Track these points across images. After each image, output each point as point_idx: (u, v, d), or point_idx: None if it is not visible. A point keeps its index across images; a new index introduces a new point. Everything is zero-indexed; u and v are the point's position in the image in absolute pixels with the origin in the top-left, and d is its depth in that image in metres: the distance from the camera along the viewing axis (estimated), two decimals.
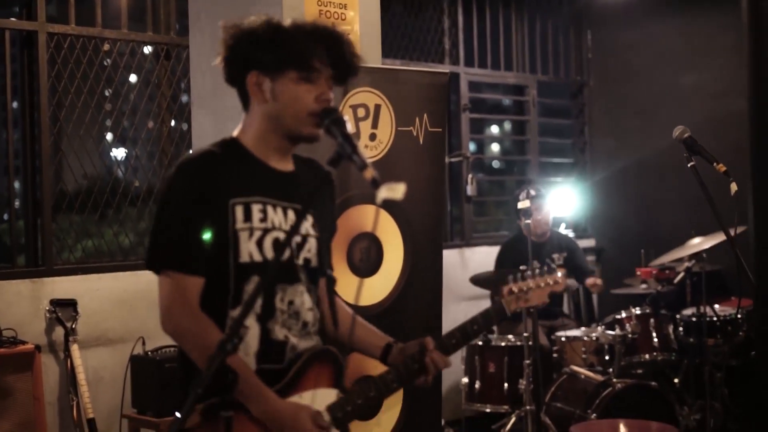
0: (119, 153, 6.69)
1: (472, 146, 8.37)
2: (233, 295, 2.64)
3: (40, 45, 5.76)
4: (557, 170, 9.16)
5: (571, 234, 8.57)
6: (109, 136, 6.42)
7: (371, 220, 4.40)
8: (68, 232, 6.09)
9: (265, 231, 2.69)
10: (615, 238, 8.68)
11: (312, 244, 2.79)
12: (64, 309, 5.60)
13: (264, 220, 2.70)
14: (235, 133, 2.80)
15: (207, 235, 2.62)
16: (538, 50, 8.81)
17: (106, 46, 6.17)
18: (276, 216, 2.72)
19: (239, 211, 2.66)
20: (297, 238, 2.75)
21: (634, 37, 8.68)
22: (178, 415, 2.38)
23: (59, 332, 5.59)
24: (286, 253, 2.71)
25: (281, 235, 2.71)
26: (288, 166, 2.82)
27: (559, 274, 3.10)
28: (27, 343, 5.26)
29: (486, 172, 10.09)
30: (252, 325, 2.64)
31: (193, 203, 2.63)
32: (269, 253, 2.68)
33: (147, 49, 6.51)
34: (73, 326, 5.56)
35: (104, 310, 5.80)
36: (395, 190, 2.42)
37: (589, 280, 6.77)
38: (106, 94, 6.25)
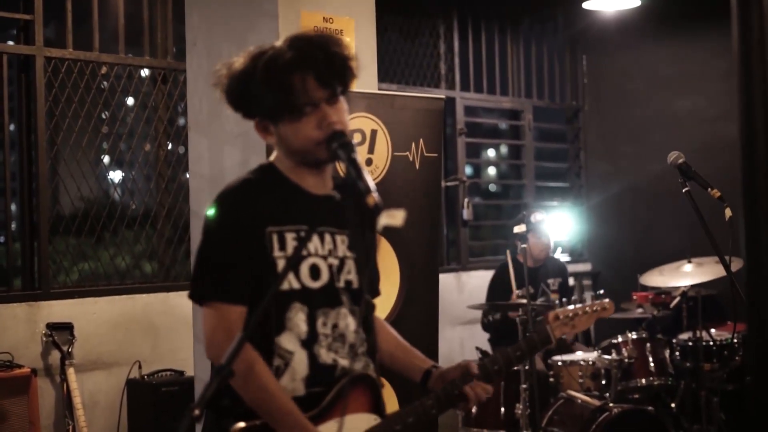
0: (116, 176, 6.71)
1: (468, 170, 8.40)
2: (276, 322, 2.64)
3: (37, 69, 5.79)
4: (553, 194, 9.18)
5: (567, 258, 8.61)
6: (106, 159, 6.44)
7: None
8: (65, 255, 6.09)
9: (301, 258, 2.69)
10: (611, 262, 8.69)
11: (351, 266, 2.77)
12: (61, 332, 5.59)
13: (299, 247, 2.68)
14: (272, 158, 2.80)
15: (246, 264, 2.63)
16: (533, 75, 8.85)
17: (104, 69, 6.20)
18: (311, 242, 2.71)
19: (275, 239, 2.66)
20: (335, 261, 2.74)
21: (629, 62, 8.73)
22: None
23: (55, 356, 5.59)
24: (325, 278, 2.71)
25: (319, 261, 2.71)
26: (325, 188, 2.79)
27: (607, 301, 3.08)
28: (23, 367, 5.26)
29: (483, 196, 10.12)
30: (297, 350, 2.64)
31: (233, 233, 2.65)
32: (307, 280, 2.68)
33: (144, 72, 6.53)
34: (70, 350, 5.55)
35: (100, 333, 5.79)
36: (395, 217, 2.44)
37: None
38: (103, 117, 6.27)
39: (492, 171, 11.75)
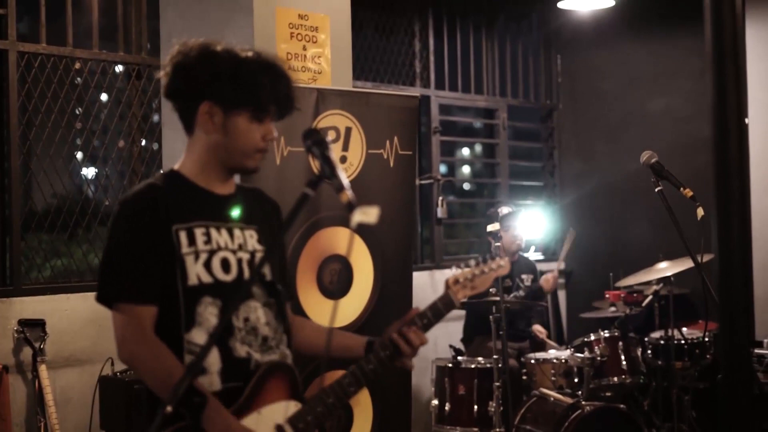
0: (89, 172, 6.66)
1: (443, 168, 8.40)
2: (185, 318, 2.68)
3: (10, 63, 5.74)
4: (527, 193, 9.20)
5: (540, 257, 8.63)
6: (79, 155, 6.40)
7: (342, 242, 4.42)
8: (38, 251, 6.05)
9: (211, 252, 2.73)
10: (584, 260, 8.72)
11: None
12: (32, 329, 5.55)
13: (208, 242, 2.74)
14: (176, 167, 2.85)
15: (154, 265, 2.67)
16: (508, 74, 8.86)
17: (78, 65, 6.15)
18: (220, 237, 2.77)
19: (183, 236, 2.71)
20: (245, 255, 2.80)
21: (603, 61, 8.76)
22: None
23: (27, 352, 5.54)
24: (234, 271, 2.76)
25: (229, 255, 2.76)
26: (229, 189, 2.87)
27: (504, 259, 3.08)
28: None
29: (457, 195, 10.13)
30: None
31: (137, 234, 2.69)
32: (219, 273, 2.73)
33: (118, 68, 6.50)
34: (42, 346, 5.51)
35: (73, 330, 5.75)
36: (369, 214, 2.46)
37: (543, 278, 6.90)
38: (77, 112, 6.23)
39: (467, 169, 11.77)
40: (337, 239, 4.45)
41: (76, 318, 5.79)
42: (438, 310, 2.98)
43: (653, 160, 4.35)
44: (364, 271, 4.61)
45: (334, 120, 4.51)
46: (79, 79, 6.18)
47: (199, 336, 2.66)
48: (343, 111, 4.54)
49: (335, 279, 4.52)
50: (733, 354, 1.75)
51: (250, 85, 2.70)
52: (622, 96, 8.57)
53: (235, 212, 2.83)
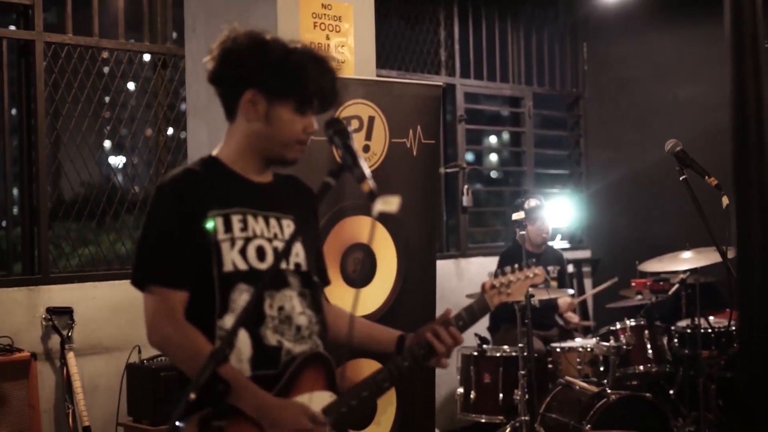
0: (117, 161, 6.71)
1: (470, 156, 8.40)
2: (220, 304, 2.68)
3: (37, 54, 5.78)
4: (553, 181, 9.19)
5: (566, 245, 8.61)
6: (106, 144, 6.44)
7: (365, 230, 4.42)
8: (66, 240, 6.10)
9: (247, 240, 2.73)
10: (611, 249, 8.70)
11: (298, 248, 2.84)
12: (60, 317, 5.61)
13: (245, 229, 2.74)
14: (214, 152, 2.84)
15: (188, 249, 2.67)
16: (534, 62, 8.84)
17: (105, 54, 6.20)
18: (257, 225, 2.77)
19: (219, 222, 2.71)
20: (281, 244, 2.79)
21: (630, 49, 8.71)
22: (178, 424, 2.43)
23: (55, 340, 5.60)
24: (270, 259, 2.75)
25: (264, 243, 2.76)
26: (267, 178, 2.87)
27: (538, 268, 3.16)
28: (23, 351, 5.28)
29: (484, 183, 10.12)
30: (240, 331, 2.66)
31: (174, 219, 2.69)
32: (254, 261, 2.73)
33: (145, 57, 6.53)
34: (69, 334, 5.57)
35: (100, 318, 5.80)
36: (390, 203, 2.46)
37: (564, 299, 6.87)
38: (105, 101, 6.27)
39: (494, 157, 11.73)
40: (361, 228, 4.45)
41: (103, 306, 5.84)
42: (473, 314, 3.00)
43: (678, 149, 4.33)
44: (387, 260, 4.61)
45: (357, 109, 4.51)
46: (106, 68, 6.22)
47: (231, 322, 2.66)
48: (366, 100, 4.53)
49: (358, 267, 4.52)
50: (753, 348, 1.74)
51: (296, 76, 2.69)
52: (648, 84, 8.52)
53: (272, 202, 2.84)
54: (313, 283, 2.87)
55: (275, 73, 2.69)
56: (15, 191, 6.13)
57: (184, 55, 5.55)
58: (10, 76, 5.85)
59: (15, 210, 6.10)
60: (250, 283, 2.70)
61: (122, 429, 5.59)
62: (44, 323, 5.60)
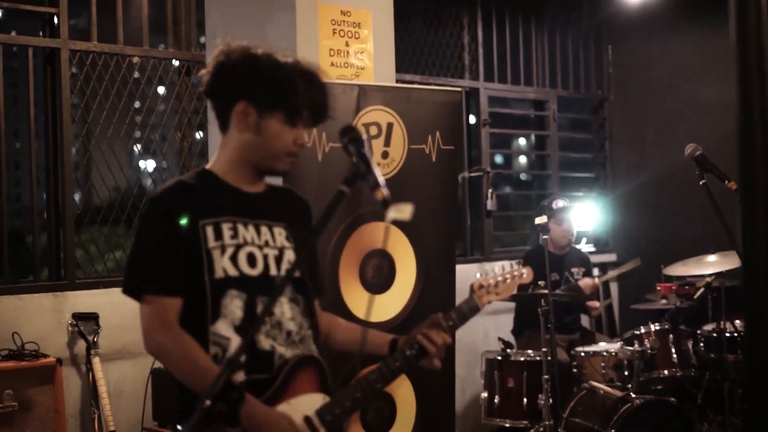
0: (147, 165, 6.77)
1: (499, 159, 8.38)
2: (211, 310, 2.74)
3: (62, 61, 5.84)
4: (579, 185, 9.15)
5: (591, 249, 8.58)
6: (136, 149, 6.49)
7: (383, 237, 4.44)
8: (97, 244, 6.16)
9: (238, 247, 2.80)
10: (636, 252, 8.63)
11: (290, 256, 2.89)
12: (86, 322, 5.65)
13: (235, 236, 2.81)
14: (208, 166, 2.92)
15: (181, 258, 2.74)
16: (558, 65, 8.82)
17: (136, 60, 6.25)
18: (247, 232, 2.84)
19: (210, 230, 2.78)
20: (274, 252, 2.86)
21: (655, 51, 8.67)
22: (179, 428, 2.47)
23: (81, 345, 5.64)
24: (260, 266, 2.82)
25: (255, 250, 2.83)
26: (259, 188, 2.95)
27: (525, 268, 3.22)
28: (49, 357, 5.33)
29: (514, 186, 10.10)
30: (232, 336, 2.74)
31: (165, 229, 2.76)
32: (245, 268, 2.80)
33: (175, 62, 6.56)
34: (95, 339, 5.61)
35: (126, 323, 5.82)
36: (403, 211, 2.49)
37: (593, 303, 6.82)
38: (133, 108, 6.33)
39: (523, 160, 11.72)
40: (380, 234, 4.47)
41: (128, 311, 5.85)
42: (463, 313, 3.06)
43: (697, 153, 4.32)
44: (406, 266, 4.63)
45: (375, 116, 4.53)
46: (135, 74, 6.27)
47: (223, 328, 2.73)
48: (384, 107, 4.55)
49: (377, 274, 4.54)
50: (760, 352, 1.74)
51: (285, 89, 2.77)
52: (674, 86, 8.47)
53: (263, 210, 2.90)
54: (306, 289, 2.93)
55: (265, 86, 2.77)
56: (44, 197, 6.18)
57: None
58: (36, 84, 5.90)
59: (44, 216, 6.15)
60: (241, 289, 2.77)
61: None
62: (70, 329, 5.64)
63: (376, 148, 4.55)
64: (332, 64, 4.71)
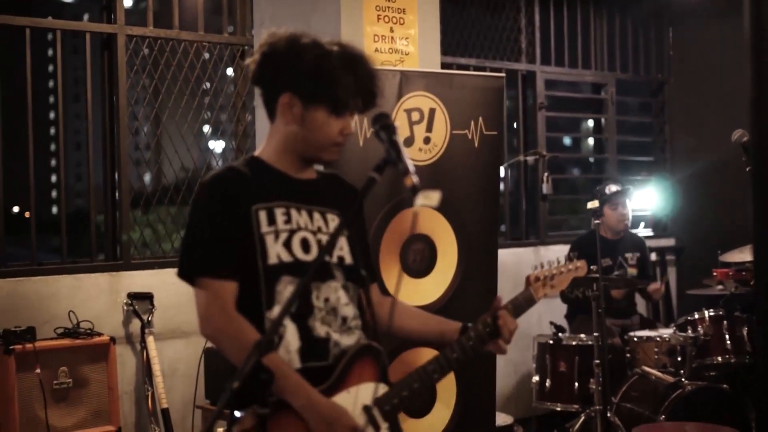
0: (214, 146, 6.87)
1: (567, 141, 8.32)
2: (266, 297, 2.71)
3: (119, 47, 5.95)
4: (638, 168, 9.07)
5: (650, 233, 8.51)
6: (200, 131, 6.60)
7: (425, 221, 4.46)
8: (165, 224, 6.31)
9: (291, 232, 2.77)
10: (695, 237, 8.55)
11: (342, 242, 2.87)
12: (141, 302, 5.77)
13: (288, 222, 2.78)
14: (256, 153, 2.91)
15: (234, 242, 2.72)
16: (617, 47, 8.73)
17: (202, 47, 6.34)
18: (300, 218, 2.81)
19: (263, 216, 2.75)
20: (326, 237, 2.83)
21: (716, 33, 8.52)
22: (237, 414, 2.53)
23: (136, 324, 5.77)
24: (314, 252, 2.79)
25: (308, 235, 2.80)
26: (310, 176, 2.93)
27: (580, 261, 3.22)
28: (103, 335, 5.45)
29: (582, 169, 10.02)
30: (288, 323, 2.71)
31: (219, 214, 2.73)
32: (299, 253, 2.77)
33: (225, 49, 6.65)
34: (150, 319, 5.73)
35: (180, 303, 5.91)
36: (431, 198, 2.50)
37: (652, 286, 6.76)
38: (204, 88, 6.42)
39: (591, 142, 11.60)
40: (421, 219, 4.49)
41: (182, 291, 5.85)
42: (519, 305, 3.05)
43: (744, 139, 4.26)
44: (448, 251, 4.64)
45: (417, 101, 4.54)
46: (206, 55, 6.35)
47: (278, 314, 2.64)
48: (426, 92, 4.55)
49: (418, 258, 4.56)
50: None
51: (329, 81, 2.72)
52: (735, 68, 8.32)
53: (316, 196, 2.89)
54: (356, 277, 2.90)
55: (309, 79, 2.74)
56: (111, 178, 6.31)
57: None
58: (93, 69, 6.01)
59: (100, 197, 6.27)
60: (295, 275, 2.73)
61: (200, 412, 5.72)
62: (125, 308, 5.76)
63: (417, 134, 4.56)
64: (376, 50, 4.73)
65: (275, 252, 2.73)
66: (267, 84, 2.84)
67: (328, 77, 2.73)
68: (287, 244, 2.76)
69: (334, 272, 2.83)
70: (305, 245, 2.78)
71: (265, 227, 2.74)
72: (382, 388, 2.80)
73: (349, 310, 2.84)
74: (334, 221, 2.88)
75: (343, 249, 2.87)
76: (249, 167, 2.84)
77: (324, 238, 2.83)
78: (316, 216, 2.85)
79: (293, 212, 2.80)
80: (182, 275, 2.80)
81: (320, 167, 2.98)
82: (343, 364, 2.75)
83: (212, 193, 2.77)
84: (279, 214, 2.78)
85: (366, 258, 3.03)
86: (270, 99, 2.84)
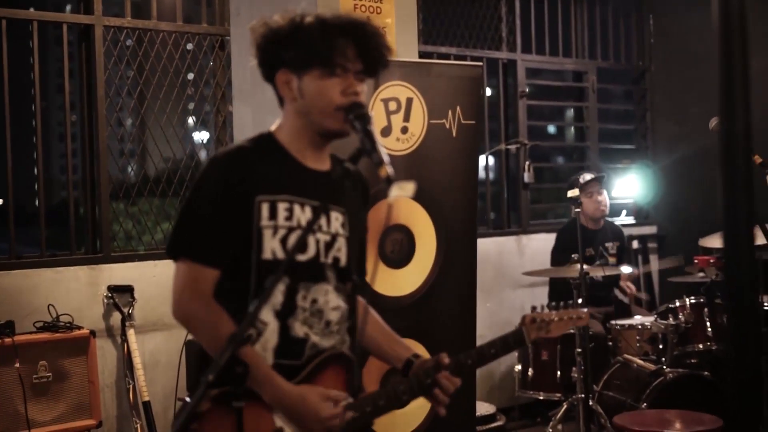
0: (199, 137, 6.85)
1: (552, 129, 8.32)
2: (254, 291, 2.67)
3: (96, 38, 5.92)
4: (620, 156, 9.07)
5: (632, 221, 8.52)
6: (189, 121, 6.58)
7: (403, 212, 4.44)
8: (148, 216, 6.29)
9: (290, 229, 2.71)
10: (677, 225, 8.57)
11: (341, 243, 2.81)
12: (121, 295, 5.75)
13: (289, 218, 2.72)
14: (273, 128, 2.83)
15: (227, 231, 2.67)
16: (598, 35, 8.72)
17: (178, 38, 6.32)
18: (303, 215, 2.74)
19: (265, 208, 2.69)
20: (326, 237, 2.78)
21: (697, 21, 8.50)
22: (188, 399, 2.46)
23: (116, 317, 5.75)
24: (311, 252, 2.74)
25: (307, 234, 2.74)
26: (323, 165, 2.83)
27: (584, 311, 3.11)
28: (83, 328, 5.43)
29: (566, 158, 10.03)
30: (271, 321, 2.68)
31: (220, 197, 2.68)
32: (294, 251, 2.71)
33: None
34: (130, 311, 5.71)
35: (161, 295, 5.90)
36: (406, 189, 2.47)
37: (628, 285, 6.81)
38: (188, 79, 6.39)
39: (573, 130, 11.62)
40: (398, 209, 4.48)
41: (163, 283, 5.95)
42: (507, 345, 2.96)
43: None
44: (426, 241, 4.62)
45: (394, 91, 4.51)
46: (190, 46, 6.33)
47: (263, 311, 2.66)
48: (403, 82, 4.53)
49: (397, 248, 4.54)
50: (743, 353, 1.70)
51: (311, 43, 2.66)
52: (716, 56, 8.32)
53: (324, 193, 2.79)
54: (350, 279, 2.85)
55: (290, 47, 2.69)
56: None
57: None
58: (72, 60, 5.98)
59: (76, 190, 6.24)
60: (287, 273, 2.68)
61: (181, 404, 5.70)
62: (105, 301, 5.74)
63: (395, 124, 4.54)
64: (366, 19, 4.70)
65: (271, 247, 2.68)
66: (264, 73, 2.80)
67: (306, 37, 2.67)
68: (284, 241, 2.70)
69: (327, 274, 2.78)
70: (302, 244, 2.72)
71: (265, 220, 2.69)
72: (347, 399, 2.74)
73: (335, 314, 2.79)
74: (337, 220, 2.82)
75: (340, 250, 2.81)
76: (260, 148, 2.78)
77: (323, 237, 2.77)
78: (320, 213, 2.76)
79: (296, 208, 2.73)
80: (168, 251, 2.75)
81: (342, 157, 2.86)
82: (313, 365, 2.71)
83: (217, 177, 2.70)
84: (281, 209, 2.71)
85: (361, 263, 2.98)
86: (273, 86, 2.80)
